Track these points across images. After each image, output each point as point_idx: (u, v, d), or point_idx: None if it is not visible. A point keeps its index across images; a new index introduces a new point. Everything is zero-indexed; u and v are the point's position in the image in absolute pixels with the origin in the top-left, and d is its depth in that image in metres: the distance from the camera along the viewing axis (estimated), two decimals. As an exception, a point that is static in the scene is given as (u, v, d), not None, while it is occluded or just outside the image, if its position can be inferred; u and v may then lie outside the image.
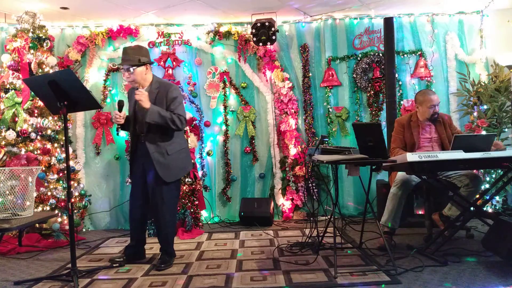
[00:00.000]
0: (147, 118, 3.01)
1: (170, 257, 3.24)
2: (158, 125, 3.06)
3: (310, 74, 5.14)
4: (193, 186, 4.43)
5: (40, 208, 4.04)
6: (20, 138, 4.16)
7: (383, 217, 3.45)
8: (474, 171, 4.29)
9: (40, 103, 4.21)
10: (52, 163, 4.21)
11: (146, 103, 3.00)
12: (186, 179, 4.44)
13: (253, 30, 4.81)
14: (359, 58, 5.05)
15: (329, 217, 3.49)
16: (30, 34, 4.35)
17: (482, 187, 4.28)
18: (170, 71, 5.05)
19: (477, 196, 3.35)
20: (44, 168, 4.12)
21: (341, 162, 3.05)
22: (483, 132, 4.28)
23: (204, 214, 4.83)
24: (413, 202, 4.23)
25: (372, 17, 5.10)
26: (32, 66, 4.27)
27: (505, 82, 4.53)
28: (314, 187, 4.86)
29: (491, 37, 4.98)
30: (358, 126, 3.14)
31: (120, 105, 3.12)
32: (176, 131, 3.18)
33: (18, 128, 4.15)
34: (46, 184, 4.13)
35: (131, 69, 3.08)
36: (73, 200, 3.92)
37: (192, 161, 4.63)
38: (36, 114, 4.26)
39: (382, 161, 2.99)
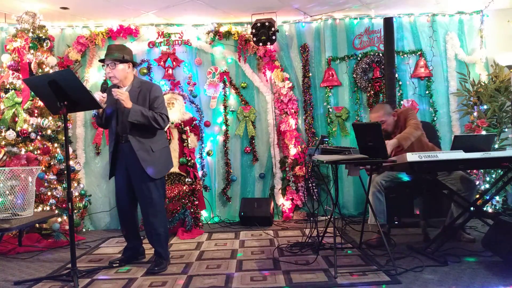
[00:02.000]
0: (130, 118, 2.99)
1: (165, 260, 3.17)
2: (141, 124, 3.05)
3: (310, 74, 5.14)
4: (193, 186, 4.43)
5: (40, 208, 4.04)
6: (20, 138, 4.16)
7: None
8: (475, 171, 4.31)
9: (40, 103, 4.21)
10: (52, 163, 4.21)
11: (127, 103, 2.98)
12: (186, 179, 4.44)
13: (253, 30, 4.81)
14: (359, 58, 5.05)
15: (329, 217, 3.49)
16: (30, 34, 4.35)
17: (483, 187, 4.30)
18: (170, 71, 5.05)
19: (477, 196, 3.35)
20: (44, 168, 4.12)
21: (341, 162, 3.05)
22: (483, 132, 4.28)
23: (204, 214, 4.83)
24: (413, 202, 4.23)
25: (372, 17, 5.10)
26: (32, 66, 4.27)
27: (505, 82, 4.53)
28: (314, 187, 4.86)
29: (491, 37, 4.98)
30: (358, 126, 3.13)
31: (104, 87, 3.08)
32: (159, 130, 3.18)
33: (18, 128, 4.15)
34: (46, 184, 4.13)
35: (113, 64, 3.07)
36: (73, 200, 3.92)
37: (192, 161, 4.63)
38: (36, 114, 4.26)
39: (382, 161, 2.99)
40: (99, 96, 3.00)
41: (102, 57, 4.85)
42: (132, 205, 3.28)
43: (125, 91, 3.04)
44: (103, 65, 3.22)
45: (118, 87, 3.14)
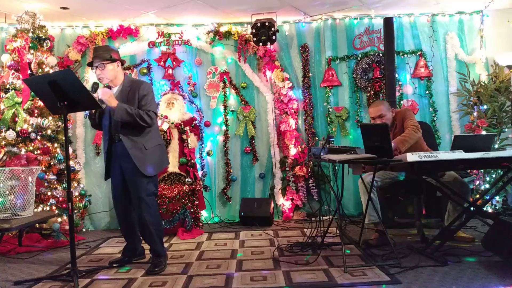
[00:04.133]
0: (115, 116, 2.99)
1: (162, 257, 3.16)
2: (128, 122, 3.03)
3: (310, 74, 5.14)
4: (193, 186, 4.43)
5: (40, 208, 4.04)
6: (20, 138, 4.16)
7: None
8: (475, 171, 4.31)
9: (40, 103, 4.21)
10: (52, 163, 4.21)
11: (112, 102, 2.97)
12: (186, 179, 4.44)
13: (253, 30, 4.81)
14: (359, 58, 5.05)
15: (332, 216, 3.49)
16: (30, 34, 4.36)
17: (482, 187, 4.30)
18: (170, 71, 5.05)
19: (477, 196, 3.35)
20: (44, 168, 4.12)
21: (355, 161, 3.06)
22: (483, 132, 4.28)
23: (204, 214, 4.83)
24: (409, 202, 4.23)
25: (372, 17, 5.10)
26: (32, 66, 4.27)
27: (505, 82, 4.53)
28: (314, 187, 4.86)
29: (491, 37, 4.98)
30: (365, 127, 3.16)
31: (95, 87, 3.05)
32: (148, 127, 3.12)
33: (18, 128, 4.15)
34: (46, 184, 4.13)
35: (102, 65, 3.06)
36: (73, 200, 3.92)
37: (192, 161, 4.63)
38: (36, 114, 4.26)
39: (390, 160, 3.01)
40: (93, 95, 2.97)
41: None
42: (129, 204, 3.27)
43: (110, 90, 3.03)
44: (92, 68, 3.20)
45: (110, 87, 3.13)
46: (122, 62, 3.24)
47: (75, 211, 4.46)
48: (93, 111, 3.12)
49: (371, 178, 3.42)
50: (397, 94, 4.82)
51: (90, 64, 3.18)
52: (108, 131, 3.16)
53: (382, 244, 3.39)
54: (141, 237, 3.40)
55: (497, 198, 4.29)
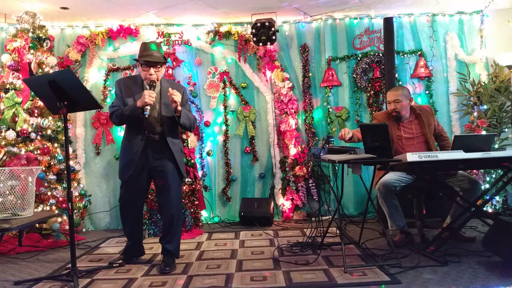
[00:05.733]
0: (182, 120, 3.04)
1: (174, 259, 3.19)
2: (172, 124, 3.10)
3: (310, 74, 5.14)
4: (193, 186, 4.43)
5: (40, 208, 4.04)
6: (20, 138, 4.16)
7: (388, 224, 3.49)
8: (475, 171, 4.31)
9: (40, 103, 4.22)
10: (52, 163, 4.21)
11: (180, 105, 3.00)
12: (186, 179, 4.44)
13: (253, 30, 4.81)
14: (359, 58, 5.05)
15: (332, 216, 3.49)
16: (30, 34, 4.36)
17: (482, 187, 4.29)
18: (170, 71, 5.05)
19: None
20: (44, 168, 4.12)
21: (354, 162, 3.06)
22: (483, 132, 4.28)
23: (204, 214, 4.83)
24: (411, 203, 4.22)
25: (372, 17, 5.10)
26: (32, 66, 4.27)
27: (505, 82, 4.52)
28: (314, 187, 4.86)
29: (491, 37, 4.98)
30: (365, 127, 3.16)
31: (153, 85, 3.02)
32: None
33: (18, 128, 4.15)
34: (46, 184, 4.13)
35: (159, 65, 3.08)
36: (73, 200, 3.92)
37: (192, 161, 4.64)
38: (36, 114, 4.26)
39: (390, 160, 3.01)
40: (154, 95, 2.96)
41: (102, 57, 4.99)
42: (143, 205, 3.35)
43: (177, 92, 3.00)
44: (141, 64, 3.06)
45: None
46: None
47: (75, 211, 4.46)
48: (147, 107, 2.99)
49: (391, 181, 3.40)
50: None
51: (143, 61, 3.05)
52: (141, 130, 3.08)
53: (407, 244, 3.42)
54: (144, 237, 3.43)
55: (497, 198, 4.29)
